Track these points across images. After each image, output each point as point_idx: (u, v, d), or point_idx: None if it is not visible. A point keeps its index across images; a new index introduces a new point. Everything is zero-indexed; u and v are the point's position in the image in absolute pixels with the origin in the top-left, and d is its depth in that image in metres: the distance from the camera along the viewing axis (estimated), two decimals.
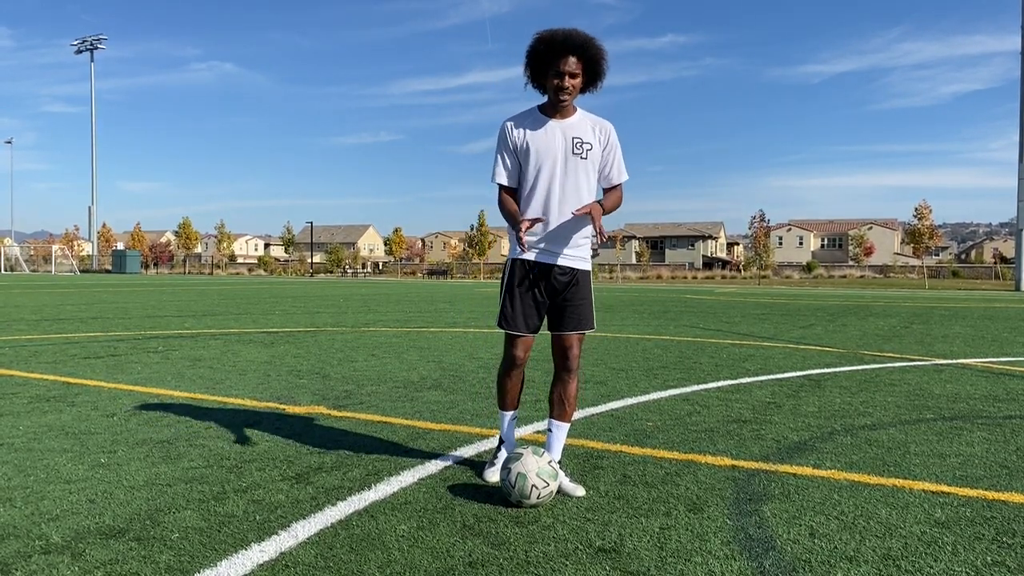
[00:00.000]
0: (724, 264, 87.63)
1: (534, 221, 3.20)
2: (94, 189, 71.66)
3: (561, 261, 3.32)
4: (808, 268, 70.99)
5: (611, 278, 60.25)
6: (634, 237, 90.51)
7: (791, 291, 33.73)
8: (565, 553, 2.63)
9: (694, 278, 62.76)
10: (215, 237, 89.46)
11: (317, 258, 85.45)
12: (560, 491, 3.26)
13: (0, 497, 3.15)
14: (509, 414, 3.55)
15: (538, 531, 2.84)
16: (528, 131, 3.27)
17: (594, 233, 3.30)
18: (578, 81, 3.20)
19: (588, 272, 3.43)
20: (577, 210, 3.21)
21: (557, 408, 3.45)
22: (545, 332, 3.50)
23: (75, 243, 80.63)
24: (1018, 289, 35.20)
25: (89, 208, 71.97)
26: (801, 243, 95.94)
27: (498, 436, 3.72)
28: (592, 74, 3.24)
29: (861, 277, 65.24)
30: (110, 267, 66.31)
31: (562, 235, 3.30)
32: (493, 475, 3.46)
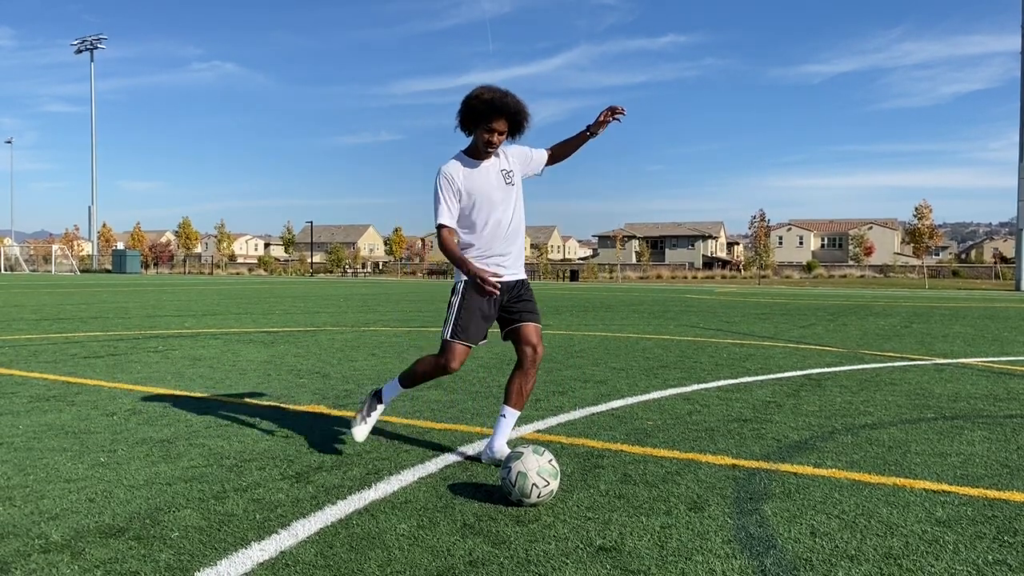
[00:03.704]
0: (724, 264, 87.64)
1: (494, 275, 3.57)
2: (94, 189, 71.64)
3: (518, 277, 3.80)
4: (808, 268, 70.95)
5: (611, 278, 60.23)
6: (634, 237, 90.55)
7: (791, 291, 33.72)
8: (566, 552, 2.63)
9: (694, 278, 62.74)
10: (215, 237, 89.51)
11: (317, 258, 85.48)
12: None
13: (0, 496, 3.15)
14: (408, 392, 3.91)
15: (538, 530, 2.83)
16: (468, 177, 3.66)
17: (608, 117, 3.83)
18: (504, 137, 3.67)
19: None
20: (603, 124, 3.83)
21: (516, 397, 3.74)
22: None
23: (75, 243, 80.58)
24: (1018, 289, 35.19)
25: (89, 208, 71.93)
26: (801, 243, 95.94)
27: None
28: (514, 131, 3.70)
29: (861, 277, 65.23)
30: (110, 267, 66.31)
31: (516, 256, 3.80)
32: (361, 434, 3.90)
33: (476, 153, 3.69)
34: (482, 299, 3.64)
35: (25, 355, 7.58)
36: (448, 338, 3.67)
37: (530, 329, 3.73)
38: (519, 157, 3.85)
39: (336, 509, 3.02)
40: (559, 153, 3.99)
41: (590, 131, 3.87)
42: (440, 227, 3.66)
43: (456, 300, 3.69)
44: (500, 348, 8.52)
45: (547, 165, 3.99)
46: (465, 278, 3.63)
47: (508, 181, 3.75)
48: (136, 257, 66.13)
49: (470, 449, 3.96)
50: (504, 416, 3.72)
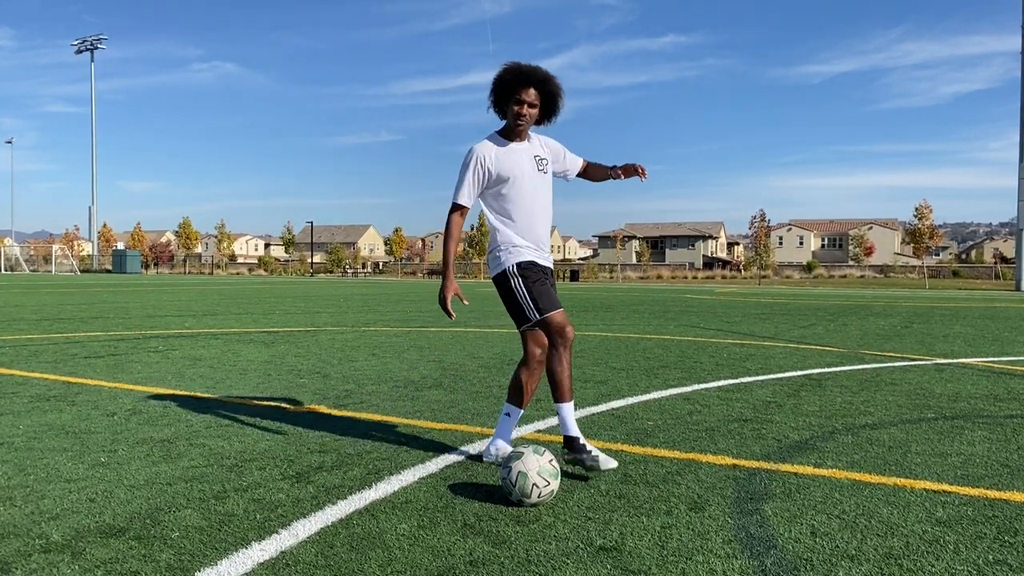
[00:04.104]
0: (724, 264, 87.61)
1: (455, 303, 3.57)
2: (94, 189, 71.66)
3: (551, 264, 3.77)
4: (808, 268, 70.94)
5: (611, 278, 60.22)
6: (634, 237, 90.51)
7: (791, 291, 33.72)
8: (566, 552, 2.63)
9: (694, 278, 62.73)
10: (215, 237, 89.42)
11: (317, 258, 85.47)
12: (592, 467, 3.44)
13: (0, 496, 3.15)
14: (571, 404, 3.64)
15: (539, 530, 2.83)
16: (499, 156, 3.61)
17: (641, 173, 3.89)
18: (536, 112, 3.61)
19: None
20: (625, 174, 3.86)
21: (525, 396, 3.70)
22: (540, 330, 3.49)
23: (75, 243, 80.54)
24: (1018, 289, 35.17)
25: (89, 208, 71.93)
26: (801, 243, 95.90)
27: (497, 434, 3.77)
28: (548, 108, 3.66)
29: (861, 277, 65.22)
30: (110, 267, 66.31)
31: (544, 243, 3.73)
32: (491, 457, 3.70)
33: (510, 134, 3.65)
34: (539, 272, 3.61)
35: (26, 355, 7.58)
36: (537, 317, 3.56)
37: (562, 314, 3.73)
38: (553, 150, 3.82)
39: (337, 509, 3.02)
40: (590, 171, 3.98)
41: (618, 171, 3.87)
42: (455, 207, 3.61)
43: (518, 283, 3.60)
44: (500, 348, 8.52)
45: (578, 176, 3.97)
46: (513, 261, 3.60)
47: (541, 168, 3.70)
48: (136, 257, 66.13)
49: (470, 449, 3.96)
50: (509, 415, 3.73)
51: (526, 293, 3.57)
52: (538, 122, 3.70)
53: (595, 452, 3.47)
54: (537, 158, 3.69)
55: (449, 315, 3.55)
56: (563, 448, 3.59)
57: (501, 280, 3.64)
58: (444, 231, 3.68)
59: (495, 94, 3.62)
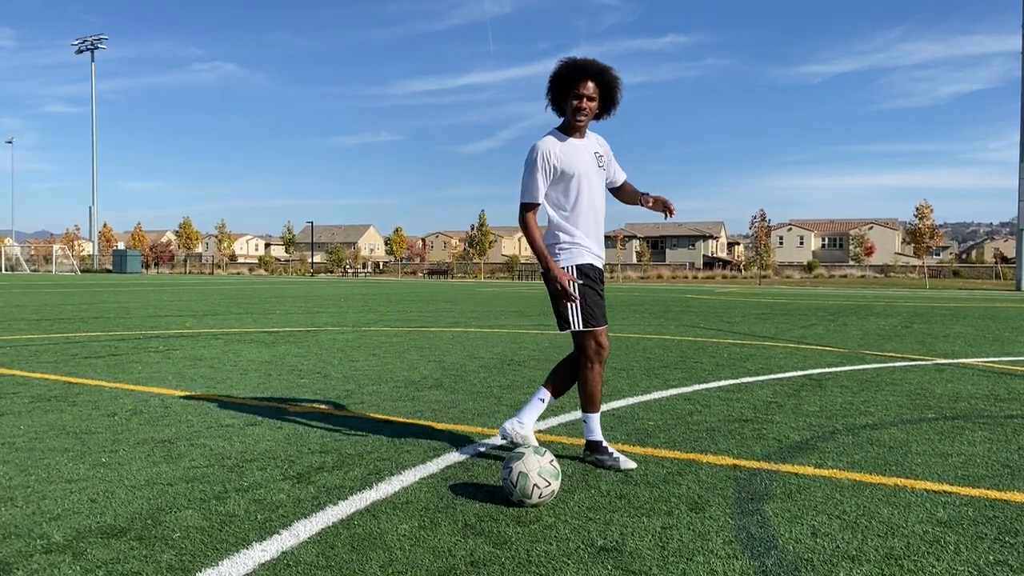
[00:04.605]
0: (725, 264, 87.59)
1: (572, 283, 3.56)
2: (95, 189, 71.72)
3: (602, 264, 3.78)
4: (809, 268, 70.96)
5: (612, 278, 60.20)
6: (635, 237, 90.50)
7: (792, 291, 33.72)
8: (567, 552, 2.63)
9: (695, 278, 62.73)
10: (216, 237, 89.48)
11: (318, 258, 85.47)
12: (612, 467, 3.60)
13: (1, 496, 3.15)
14: (598, 415, 3.73)
15: (540, 530, 2.83)
16: (565, 155, 3.59)
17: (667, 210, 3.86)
18: (595, 105, 3.57)
19: None
20: (653, 205, 3.82)
21: (561, 387, 3.80)
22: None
23: (76, 243, 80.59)
24: (1019, 289, 35.16)
25: (90, 208, 72.00)
26: (802, 243, 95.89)
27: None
28: (607, 100, 3.63)
29: (862, 277, 65.21)
30: (111, 267, 66.34)
31: (601, 240, 3.76)
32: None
33: (569, 130, 3.64)
34: (593, 280, 3.63)
35: (26, 355, 7.59)
36: (581, 328, 3.60)
37: (605, 332, 3.74)
38: (607, 151, 3.81)
39: (337, 509, 3.02)
40: (625, 188, 3.96)
41: (649, 198, 3.85)
42: (526, 206, 3.60)
43: (574, 284, 3.62)
44: (500, 348, 8.52)
45: (613, 189, 3.95)
46: (573, 262, 3.61)
47: (600, 164, 3.71)
48: (137, 257, 66.19)
49: (471, 449, 3.96)
50: (543, 400, 3.75)
51: (579, 303, 3.59)
52: (597, 116, 3.68)
53: (616, 453, 3.68)
54: (596, 154, 3.70)
55: (572, 297, 3.53)
56: (585, 451, 3.76)
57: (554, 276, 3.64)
58: (524, 232, 3.64)
59: (552, 91, 3.60)
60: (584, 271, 3.63)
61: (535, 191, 3.57)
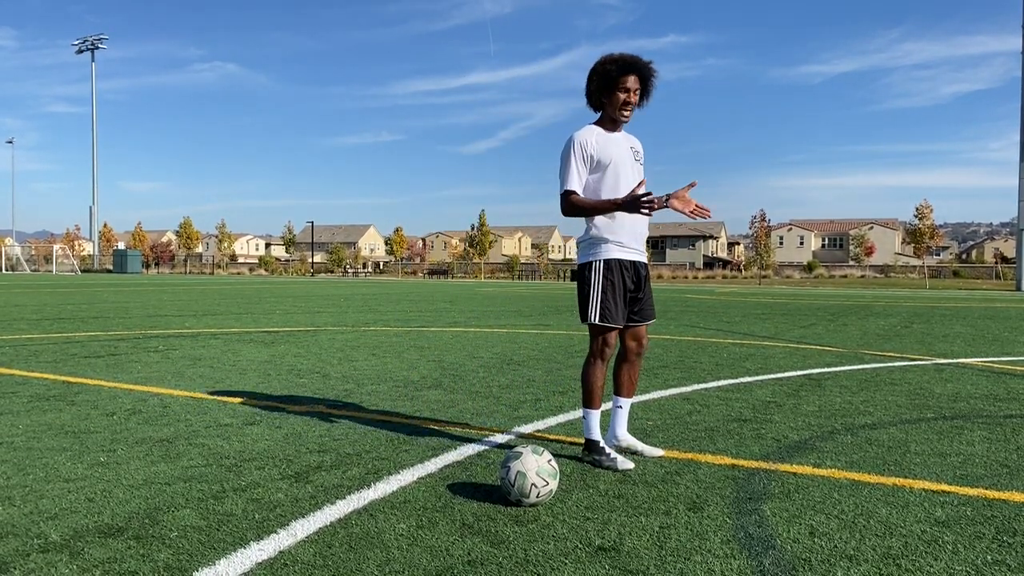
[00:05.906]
0: (725, 264, 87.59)
1: (643, 194, 3.45)
2: (95, 189, 71.74)
3: (642, 259, 3.79)
4: (809, 268, 70.96)
5: None
6: None
7: (792, 291, 33.71)
8: (564, 552, 2.63)
9: (695, 278, 62.72)
10: (216, 237, 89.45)
11: (318, 258, 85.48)
12: (638, 453, 3.77)
13: (0, 495, 3.15)
14: (598, 412, 3.76)
15: (537, 530, 2.83)
16: (601, 144, 3.64)
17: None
18: (637, 97, 3.65)
19: None
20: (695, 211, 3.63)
21: (627, 388, 3.88)
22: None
23: (76, 243, 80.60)
24: (1019, 289, 35.15)
25: (90, 208, 72.00)
26: (802, 243, 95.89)
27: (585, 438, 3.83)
28: (644, 90, 3.69)
29: (862, 277, 65.20)
30: (111, 267, 66.34)
31: (640, 235, 3.75)
32: (625, 464, 3.65)
33: (607, 125, 3.70)
34: (622, 275, 3.64)
35: (25, 355, 7.59)
36: (596, 322, 3.64)
37: (644, 328, 3.84)
38: (642, 152, 3.85)
39: (335, 509, 3.02)
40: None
41: (665, 198, 3.66)
42: (567, 193, 3.62)
43: (595, 278, 3.65)
44: (500, 348, 8.52)
45: None
46: (601, 257, 3.63)
47: (637, 159, 3.76)
48: (137, 257, 66.18)
49: (470, 449, 3.96)
50: (620, 407, 3.87)
51: (599, 298, 3.63)
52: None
53: (613, 453, 3.67)
54: (633, 149, 3.75)
55: (651, 203, 3.44)
56: (583, 450, 3.77)
57: (583, 270, 3.70)
58: (575, 213, 3.61)
59: (596, 85, 3.64)
60: (612, 267, 3.64)
61: (571, 178, 3.60)
